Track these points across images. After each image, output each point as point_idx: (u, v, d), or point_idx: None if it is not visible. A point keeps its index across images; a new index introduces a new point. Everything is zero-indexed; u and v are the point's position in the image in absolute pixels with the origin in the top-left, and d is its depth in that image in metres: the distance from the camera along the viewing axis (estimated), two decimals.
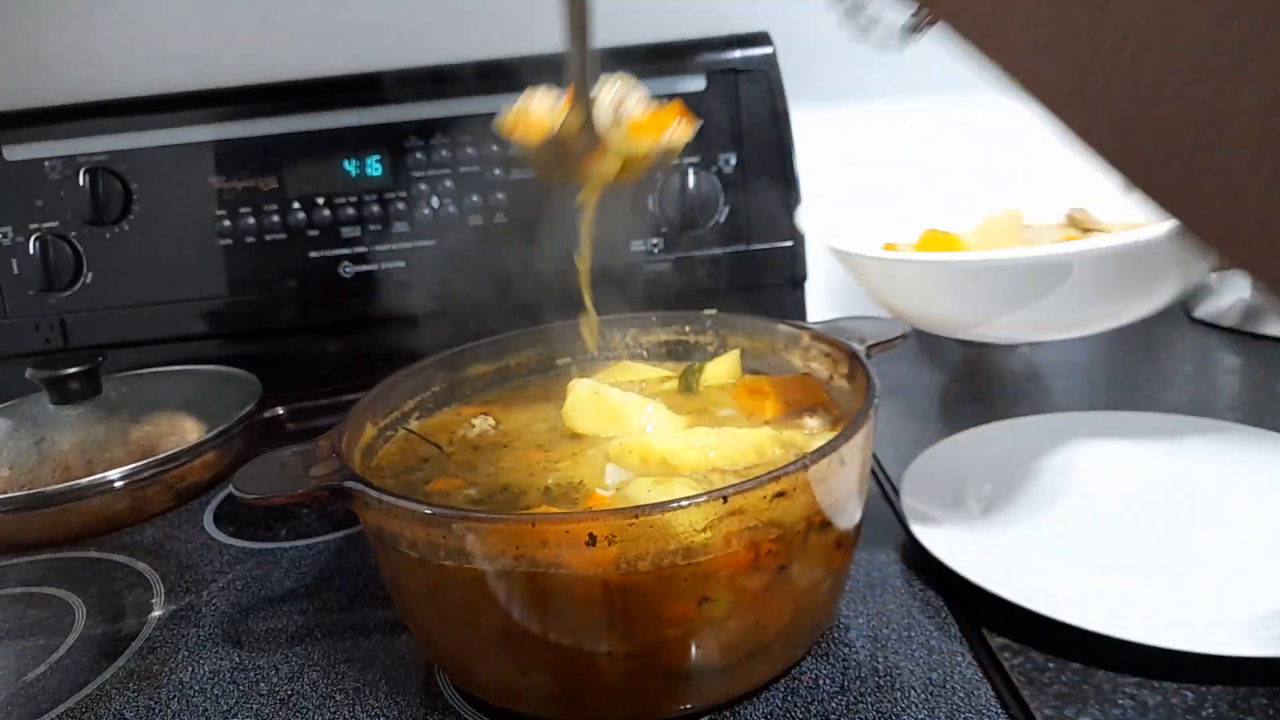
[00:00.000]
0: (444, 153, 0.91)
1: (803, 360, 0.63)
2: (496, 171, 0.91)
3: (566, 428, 0.59)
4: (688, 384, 0.63)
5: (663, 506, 0.40)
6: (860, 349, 0.57)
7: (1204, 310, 0.94)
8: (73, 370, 0.79)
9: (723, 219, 0.93)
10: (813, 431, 0.56)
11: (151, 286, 0.94)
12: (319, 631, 0.57)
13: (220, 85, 0.93)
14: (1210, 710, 0.43)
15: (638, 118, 0.54)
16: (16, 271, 0.92)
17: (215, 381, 0.89)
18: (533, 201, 0.91)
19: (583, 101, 0.51)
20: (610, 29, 0.94)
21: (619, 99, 0.54)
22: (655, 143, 0.54)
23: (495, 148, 0.91)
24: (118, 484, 0.72)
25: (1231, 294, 0.92)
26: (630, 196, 0.92)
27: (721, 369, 0.64)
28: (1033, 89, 0.23)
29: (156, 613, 0.61)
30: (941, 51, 0.28)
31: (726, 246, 0.94)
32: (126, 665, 0.55)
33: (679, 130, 0.56)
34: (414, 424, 0.62)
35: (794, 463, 0.42)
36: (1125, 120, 0.21)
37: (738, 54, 0.92)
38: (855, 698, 0.46)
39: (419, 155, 0.91)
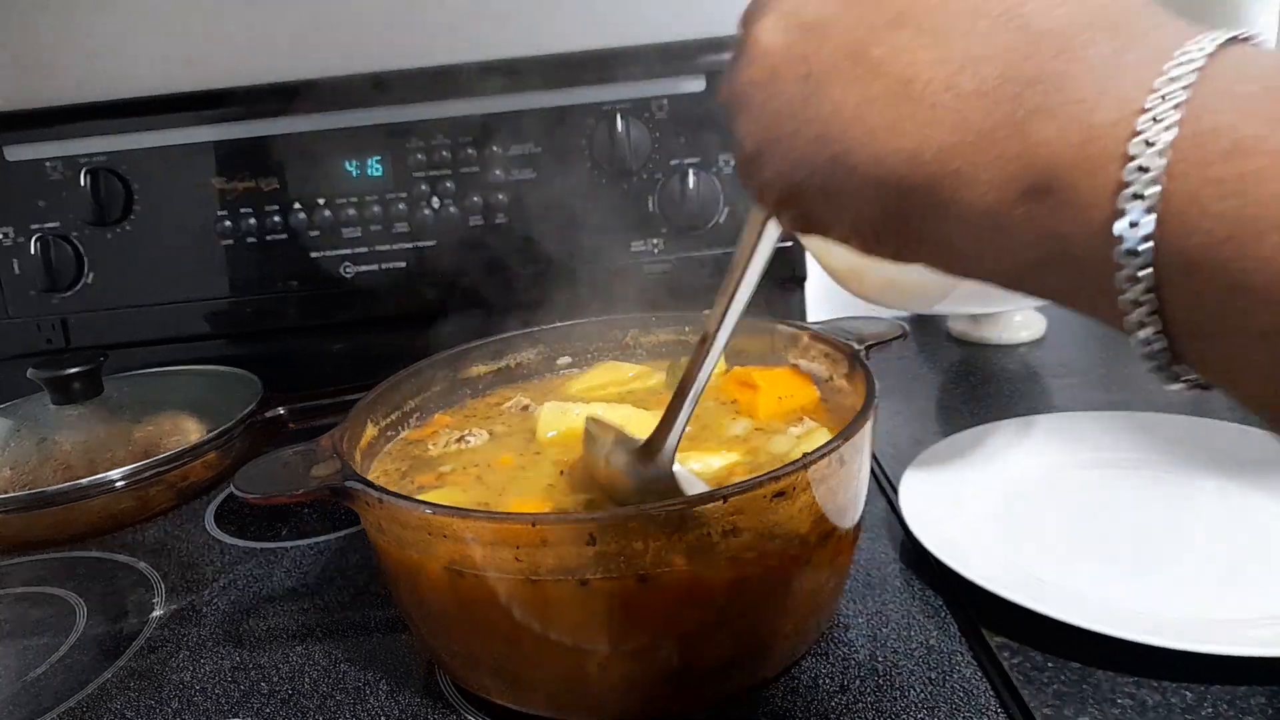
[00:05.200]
0: (444, 153, 0.91)
1: (802, 360, 0.63)
2: (497, 172, 0.91)
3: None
4: (675, 378, 0.63)
5: (662, 506, 0.40)
6: (859, 348, 0.57)
7: None
8: (74, 370, 0.79)
9: (722, 220, 0.93)
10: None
11: (153, 287, 0.94)
12: (320, 631, 0.57)
13: (221, 86, 0.93)
14: (1209, 709, 0.43)
15: None
16: (18, 272, 0.92)
17: (217, 381, 0.89)
18: (533, 202, 0.91)
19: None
20: (610, 30, 0.95)
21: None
22: None
23: (495, 148, 0.91)
24: (119, 484, 0.72)
25: None
26: (630, 196, 0.92)
27: None
28: None
29: (158, 612, 0.61)
30: None
31: (726, 247, 0.94)
32: (128, 664, 0.55)
33: None
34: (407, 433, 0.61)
35: (794, 462, 0.42)
36: None
37: None
38: (855, 697, 0.46)
39: (419, 156, 0.91)
